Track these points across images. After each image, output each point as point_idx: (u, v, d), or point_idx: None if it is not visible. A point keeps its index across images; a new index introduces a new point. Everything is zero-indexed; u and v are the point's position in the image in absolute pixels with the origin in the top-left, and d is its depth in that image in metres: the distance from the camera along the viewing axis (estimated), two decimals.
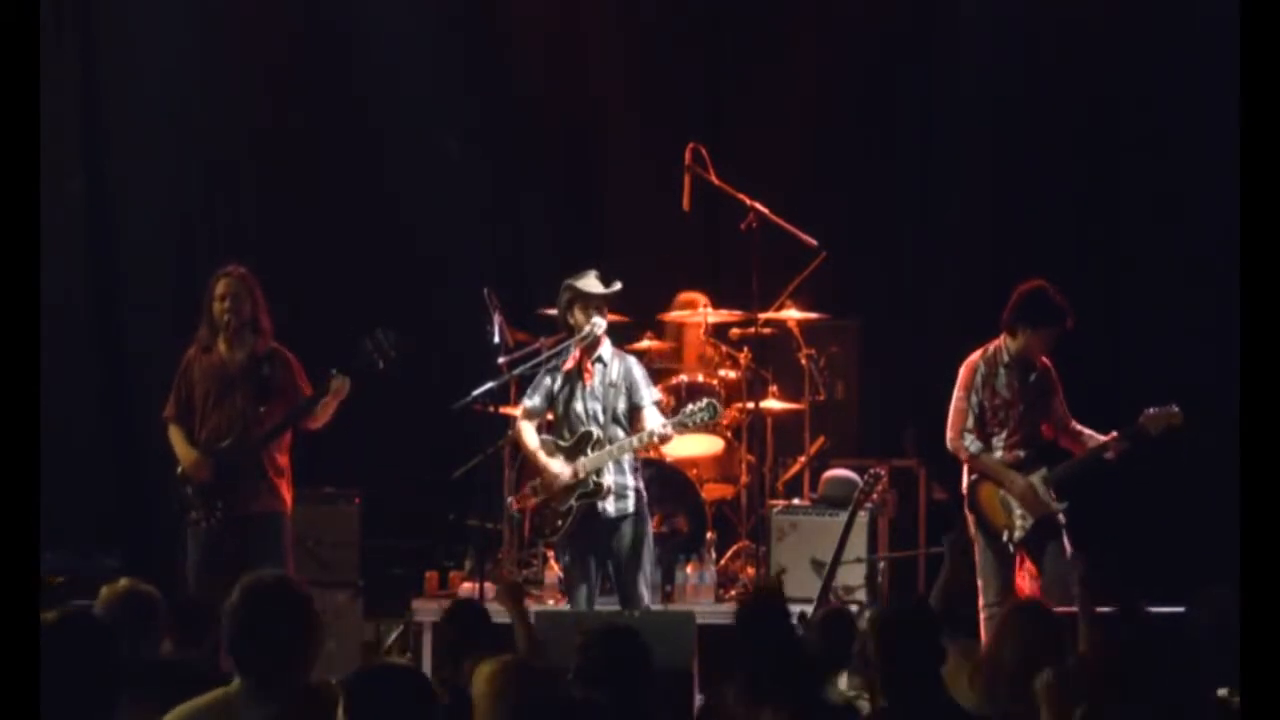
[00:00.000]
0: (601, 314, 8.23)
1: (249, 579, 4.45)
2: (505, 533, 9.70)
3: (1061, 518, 8.43)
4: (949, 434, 8.54)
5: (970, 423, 8.47)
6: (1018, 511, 8.39)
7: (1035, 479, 8.39)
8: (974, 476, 8.53)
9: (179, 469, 8.28)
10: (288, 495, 8.32)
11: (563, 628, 7.12)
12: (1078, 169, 10.89)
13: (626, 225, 10.96)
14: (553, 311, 8.70)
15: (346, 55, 11.05)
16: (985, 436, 8.48)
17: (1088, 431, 8.51)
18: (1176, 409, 8.31)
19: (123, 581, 5.35)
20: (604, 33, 11.21)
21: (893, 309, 10.94)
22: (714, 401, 8.21)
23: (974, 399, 8.48)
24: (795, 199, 9.95)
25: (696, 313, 10.04)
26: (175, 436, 8.32)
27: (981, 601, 8.44)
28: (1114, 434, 8.41)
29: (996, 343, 8.51)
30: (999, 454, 8.45)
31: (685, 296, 10.18)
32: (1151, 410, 8.32)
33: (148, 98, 10.86)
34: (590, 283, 8.23)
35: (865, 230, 10.99)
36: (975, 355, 8.54)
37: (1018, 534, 8.39)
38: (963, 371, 8.54)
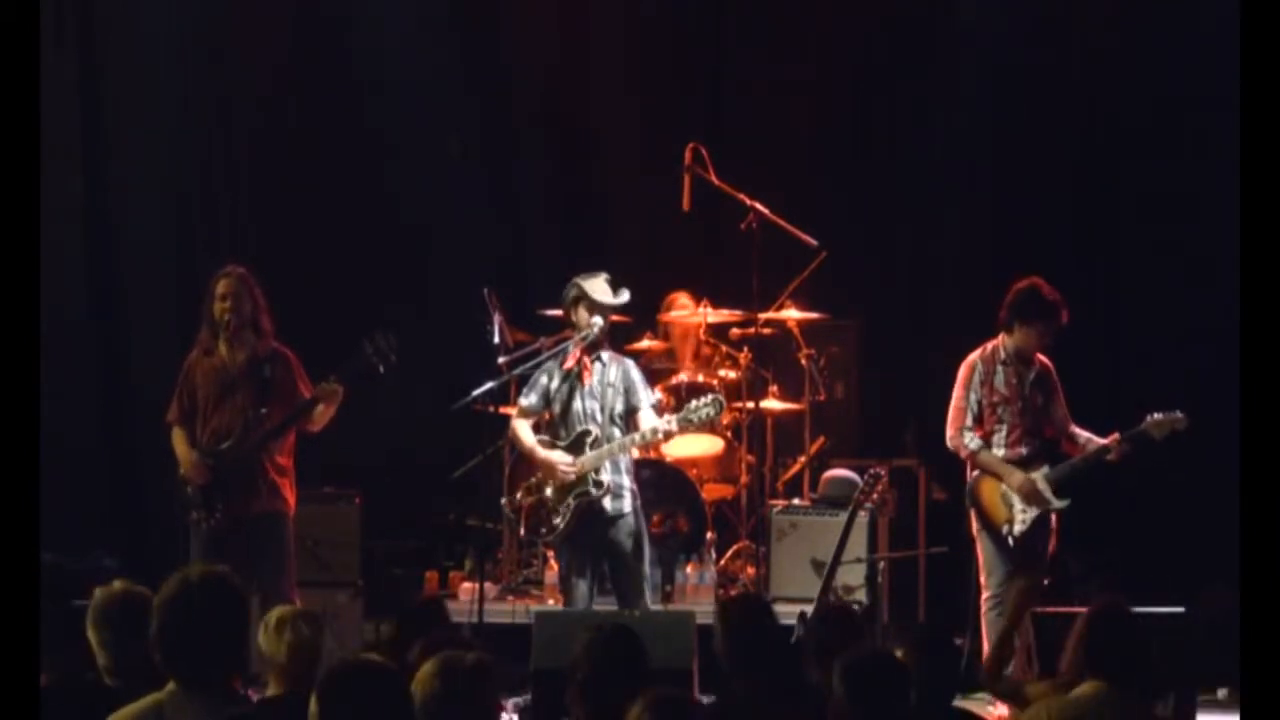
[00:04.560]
0: (604, 316, 8.21)
1: (180, 574, 4.20)
2: (505, 533, 9.70)
3: (1054, 519, 8.48)
4: (949, 431, 8.58)
5: (969, 420, 8.53)
6: (1018, 507, 8.44)
7: (1036, 476, 8.44)
8: (975, 473, 8.57)
9: (180, 471, 8.28)
10: (290, 496, 8.30)
11: (563, 627, 7.12)
12: (1077, 168, 10.89)
13: (626, 225, 10.96)
14: (553, 312, 8.69)
15: (347, 55, 11.05)
16: (986, 434, 8.53)
17: (1085, 434, 8.55)
18: (1180, 414, 8.35)
19: (117, 583, 5.31)
20: (604, 32, 11.21)
21: (893, 309, 10.94)
22: (718, 397, 8.18)
23: (972, 397, 8.54)
24: (795, 199, 9.94)
25: (695, 312, 10.04)
26: (178, 440, 8.31)
27: (985, 595, 8.51)
28: (1115, 435, 8.43)
29: (995, 341, 8.58)
30: (1001, 451, 8.49)
31: (672, 296, 10.20)
32: (1156, 415, 8.36)
33: (147, 97, 10.86)
34: (598, 287, 8.17)
35: (865, 230, 10.99)
36: (974, 354, 8.60)
37: (1018, 528, 8.45)
38: (962, 370, 8.60)
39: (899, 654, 5.07)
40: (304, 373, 8.30)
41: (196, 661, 4.10)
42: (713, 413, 8.12)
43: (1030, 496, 8.42)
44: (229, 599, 4.19)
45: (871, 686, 4.73)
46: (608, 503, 8.13)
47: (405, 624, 6.42)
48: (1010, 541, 8.46)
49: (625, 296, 8.25)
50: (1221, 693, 8.39)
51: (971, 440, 8.53)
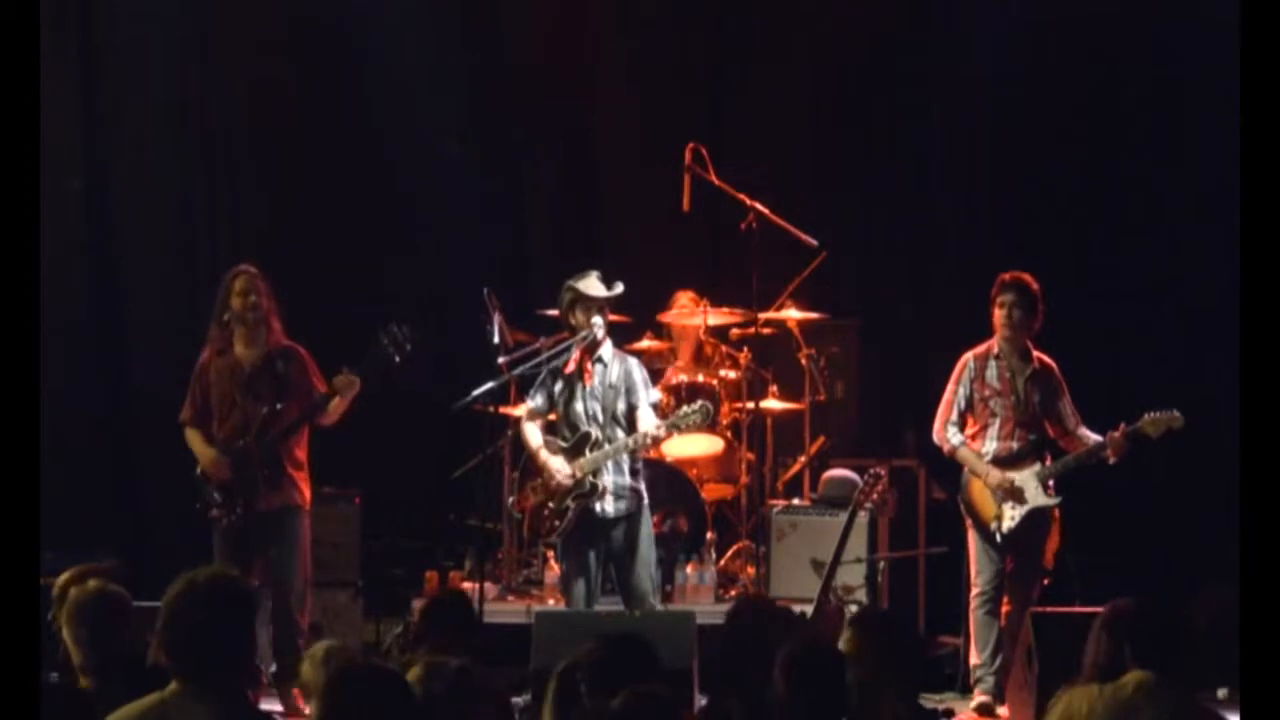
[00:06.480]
0: (602, 315, 8.22)
1: (189, 574, 4.15)
2: (505, 533, 9.70)
3: (1055, 512, 8.51)
4: (936, 424, 8.67)
5: (955, 415, 8.61)
6: (1007, 504, 8.46)
7: (1027, 474, 8.47)
8: (967, 470, 8.61)
9: (199, 469, 8.31)
10: (307, 489, 8.40)
11: (563, 627, 7.13)
12: (1078, 168, 10.88)
13: (626, 225, 10.96)
14: (553, 312, 8.69)
15: (347, 55, 11.04)
16: (980, 428, 8.56)
17: (1095, 436, 8.55)
18: (1177, 413, 8.39)
19: (92, 582, 5.30)
20: (604, 33, 11.21)
21: (893, 309, 10.94)
22: (706, 405, 8.21)
23: (961, 392, 8.61)
24: (795, 199, 9.94)
25: (695, 311, 10.03)
26: (193, 438, 8.39)
27: (974, 592, 8.56)
28: (1122, 427, 8.43)
29: (990, 340, 8.61)
30: (993, 444, 8.52)
31: (679, 295, 10.20)
32: (1152, 414, 8.38)
33: (147, 97, 10.86)
34: (591, 284, 8.22)
35: (865, 230, 10.99)
36: (969, 352, 8.67)
37: (1007, 524, 8.49)
38: (956, 366, 8.70)
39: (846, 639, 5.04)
40: (317, 367, 8.38)
41: (203, 662, 4.06)
42: (697, 420, 8.17)
43: (1009, 495, 8.45)
44: (236, 600, 4.15)
45: (811, 678, 4.73)
46: (607, 505, 8.14)
47: (425, 618, 6.31)
48: (998, 539, 8.48)
49: (619, 288, 8.27)
50: (1222, 692, 8.39)
51: (954, 435, 8.61)
